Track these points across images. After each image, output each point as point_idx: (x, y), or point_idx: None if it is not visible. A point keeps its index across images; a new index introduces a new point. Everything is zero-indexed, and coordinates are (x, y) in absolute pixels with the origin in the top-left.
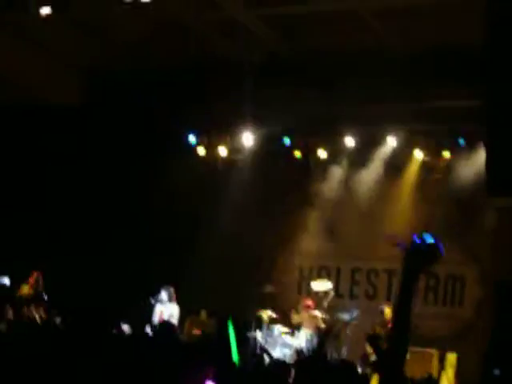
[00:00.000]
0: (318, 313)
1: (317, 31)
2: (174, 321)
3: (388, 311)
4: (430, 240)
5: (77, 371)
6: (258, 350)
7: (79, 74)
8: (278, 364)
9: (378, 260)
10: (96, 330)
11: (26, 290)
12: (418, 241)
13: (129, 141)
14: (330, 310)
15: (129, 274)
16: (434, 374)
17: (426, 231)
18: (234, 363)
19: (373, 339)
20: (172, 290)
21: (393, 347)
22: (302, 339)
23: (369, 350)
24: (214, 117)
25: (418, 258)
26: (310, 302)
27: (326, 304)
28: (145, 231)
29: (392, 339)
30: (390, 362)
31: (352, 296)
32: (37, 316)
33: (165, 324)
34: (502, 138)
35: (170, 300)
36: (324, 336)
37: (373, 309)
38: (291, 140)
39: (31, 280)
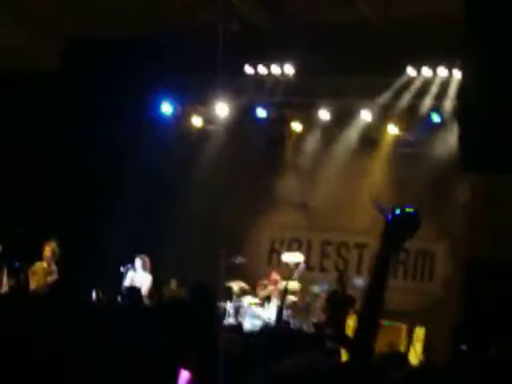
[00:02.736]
0: (286, 285)
1: (294, 2)
2: (145, 289)
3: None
4: (409, 210)
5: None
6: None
7: (56, 40)
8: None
9: (350, 234)
10: (68, 298)
11: None
12: (398, 212)
13: (101, 108)
14: (301, 282)
15: (101, 244)
16: (402, 348)
17: (406, 205)
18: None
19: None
20: (147, 258)
21: (363, 320)
22: (272, 311)
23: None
24: (188, 86)
25: (398, 229)
26: (277, 277)
27: (296, 276)
28: (116, 201)
29: (363, 312)
30: (360, 335)
31: (322, 269)
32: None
33: (131, 289)
34: (476, 114)
35: (143, 268)
36: (282, 305)
37: None
38: (266, 112)
39: None
